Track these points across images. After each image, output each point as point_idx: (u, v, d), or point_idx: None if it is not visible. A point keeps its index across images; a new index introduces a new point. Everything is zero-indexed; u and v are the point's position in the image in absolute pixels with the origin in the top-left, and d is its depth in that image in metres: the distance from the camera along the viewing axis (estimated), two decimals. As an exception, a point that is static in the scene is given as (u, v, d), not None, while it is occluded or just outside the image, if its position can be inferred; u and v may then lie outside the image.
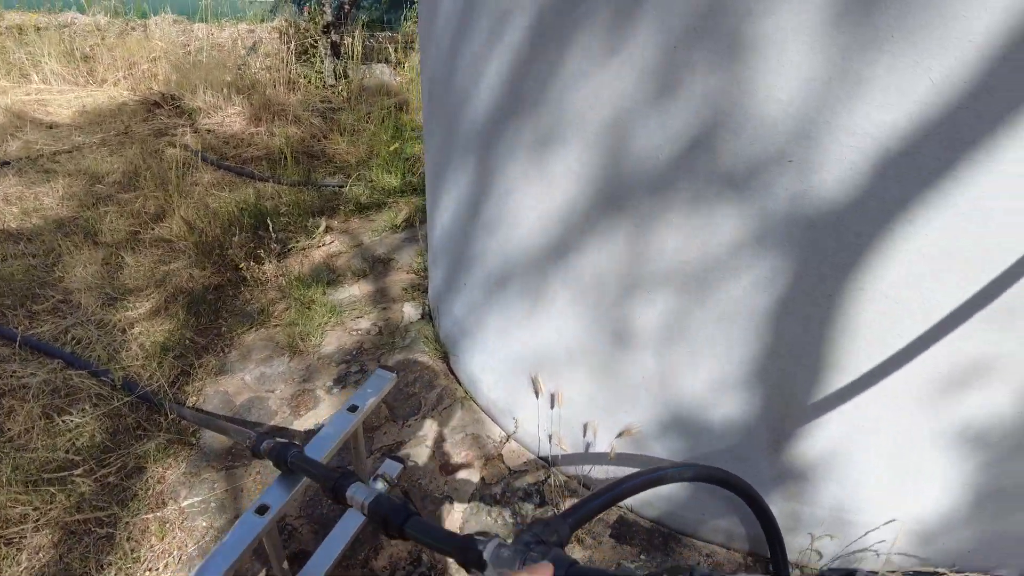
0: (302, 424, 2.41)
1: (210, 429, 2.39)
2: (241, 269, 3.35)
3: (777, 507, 1.72)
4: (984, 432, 1.53)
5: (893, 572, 1.71)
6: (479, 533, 0.97)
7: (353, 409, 1.81)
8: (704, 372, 1.65)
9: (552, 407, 2.00)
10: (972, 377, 1.45)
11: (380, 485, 1.42)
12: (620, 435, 1.90)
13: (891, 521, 1.70)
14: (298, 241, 3.78)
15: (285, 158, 4.89)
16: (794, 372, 1.55)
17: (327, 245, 3.84)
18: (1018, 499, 1.65)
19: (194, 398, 2.62)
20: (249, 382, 2.65)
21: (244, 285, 3.35)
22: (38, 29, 6.65)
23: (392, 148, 5.01)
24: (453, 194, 2.13)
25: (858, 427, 1.57)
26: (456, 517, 2.02)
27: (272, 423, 2.43)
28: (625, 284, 1.65)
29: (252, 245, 3.64)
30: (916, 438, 1.56)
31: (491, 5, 1.67)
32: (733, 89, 1.33)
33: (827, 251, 1.38)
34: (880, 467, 1.63)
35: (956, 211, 1.26)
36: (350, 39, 6.55)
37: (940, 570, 1.67)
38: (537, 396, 2.05)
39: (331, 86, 6.35)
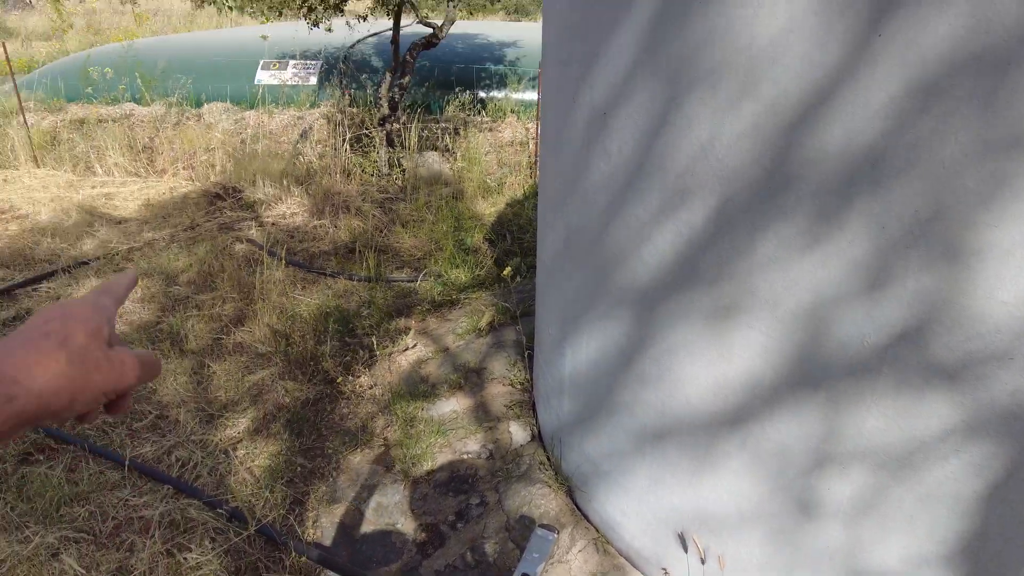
0: (432, 565, 2.37)
1: (339, 574, 2.35)
2: (338, 382, 3.36)
3: None
4: None
5: None
6: None
7: (526, 577, 1.80)
8: (897, 547, 1.63)
9: (715, 565, 1.97)
10: None
11: None
12: (784, 592, 1.86)
13: None
14: (385, 347, 3.80)
15: (354, 253, 4.97)
16: (1004, 551, 1.53)
17: (411, 349, 3.86)
18: None
19: (312, 531, 2.59)
20: (367, 514, 2.62)
21: (340, 397, 3.36)
22: (100, 121, 6.88)
23: (456, 240, 5.09)
24: (597, 339, 2.16)
25: (1067, 608, 1.54)
26: None
27: (400, 562, 2.40)
28: (815, 457, 1.65)
29: (345, 355, 3.66)
30: None
31: (665, 182, 1.72)
32: (951, 288, 1.36)
33: (1046, 442, 1.38)
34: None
35: None
36: (404, 128, 6.72)
37: None
38: (692, 553, 2.02)
39: (386, 175, 6.49)
